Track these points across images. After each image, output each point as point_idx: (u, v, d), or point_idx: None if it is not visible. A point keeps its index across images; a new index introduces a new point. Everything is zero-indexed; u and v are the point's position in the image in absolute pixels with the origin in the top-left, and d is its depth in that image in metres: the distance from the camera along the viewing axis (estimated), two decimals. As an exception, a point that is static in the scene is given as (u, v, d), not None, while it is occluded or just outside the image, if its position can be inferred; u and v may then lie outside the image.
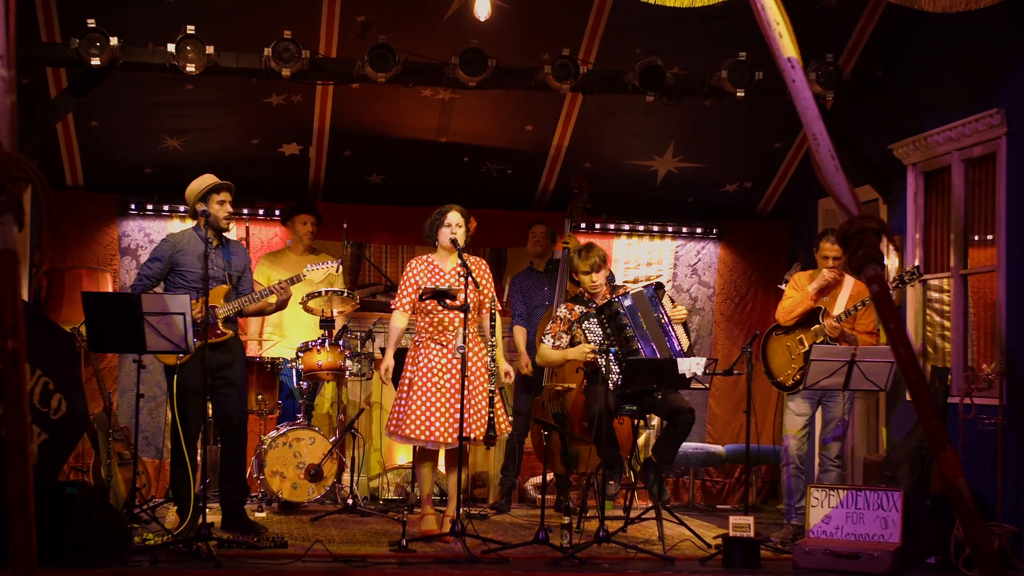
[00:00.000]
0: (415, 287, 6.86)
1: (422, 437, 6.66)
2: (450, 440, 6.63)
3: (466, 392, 6.57)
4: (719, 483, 9.45)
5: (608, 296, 7.17)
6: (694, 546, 6.68)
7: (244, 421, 6.98)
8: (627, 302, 6.91)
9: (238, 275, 6.90)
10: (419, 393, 6.71)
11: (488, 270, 7.03)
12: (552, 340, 7.20)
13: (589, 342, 6.96)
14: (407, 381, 6.81)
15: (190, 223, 8.87)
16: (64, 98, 7.64)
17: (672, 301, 7.06)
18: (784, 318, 7.39)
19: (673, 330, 6.87)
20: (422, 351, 6.83)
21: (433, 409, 6.67)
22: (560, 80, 7.66)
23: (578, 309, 7.19)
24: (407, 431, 6.68)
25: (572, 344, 7.14)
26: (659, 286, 7.02)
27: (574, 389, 7.47)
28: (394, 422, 6.79)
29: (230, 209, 6.84)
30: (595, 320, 6.97)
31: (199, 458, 6.77)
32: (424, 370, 6.76)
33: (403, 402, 6.78)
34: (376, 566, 5.96)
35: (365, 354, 8.22)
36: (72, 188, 8.87)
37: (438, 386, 6.71)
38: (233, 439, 6.88)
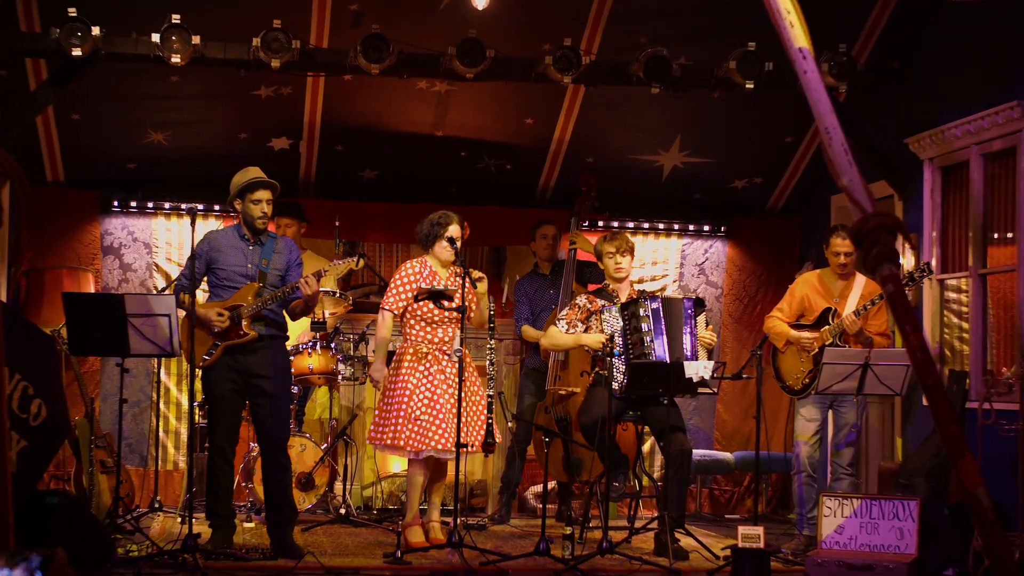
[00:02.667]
0: (410, 291, 6.67)
1: (422, 447, 6.53)
2: (447, 446, 6.50)
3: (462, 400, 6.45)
4: (727, 492, 9.37)
5: (635, 296, 6.94)
6: (701, 558, 6.62)
7: (282, 436, 6.56)
8: (654, 304, 6.72)
9: (278, 274, 6.57)
10: (417, 402, 6.56)
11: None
12: (566, 326, 6.97)
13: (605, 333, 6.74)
14: (400, 389, 6.65)
15: (175, 220, 8.84)
16: (44, 90, 7.59)
17: (707, 324, 6.81)
18: (773, 340, 7.27)
19: (696, 349, 6.64)
20: (416, 358, 6.67)
21: (432, 418, 6.55)
22: (562, 71, 7.56)
23: (600, 302, 6.97)
24: (405, 442, 6.54)
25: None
26: (700, 302, 6.82)
27: (578, 393, 7.32)
28: (389, 433, 6.62)
29: (265, 209, 6.52)
30: (616, 314, 6.75)
31: (185, 466, 6.59)
32: (419, 378, 6.61)
33: (395, 411, 6.62)
34: (369, 579, 5.96)
35: (358, 357, 8.18)
36: (52, 184, 8.78)
37: (436, 394, 6.58)
38: (270, 456, 6.49)
